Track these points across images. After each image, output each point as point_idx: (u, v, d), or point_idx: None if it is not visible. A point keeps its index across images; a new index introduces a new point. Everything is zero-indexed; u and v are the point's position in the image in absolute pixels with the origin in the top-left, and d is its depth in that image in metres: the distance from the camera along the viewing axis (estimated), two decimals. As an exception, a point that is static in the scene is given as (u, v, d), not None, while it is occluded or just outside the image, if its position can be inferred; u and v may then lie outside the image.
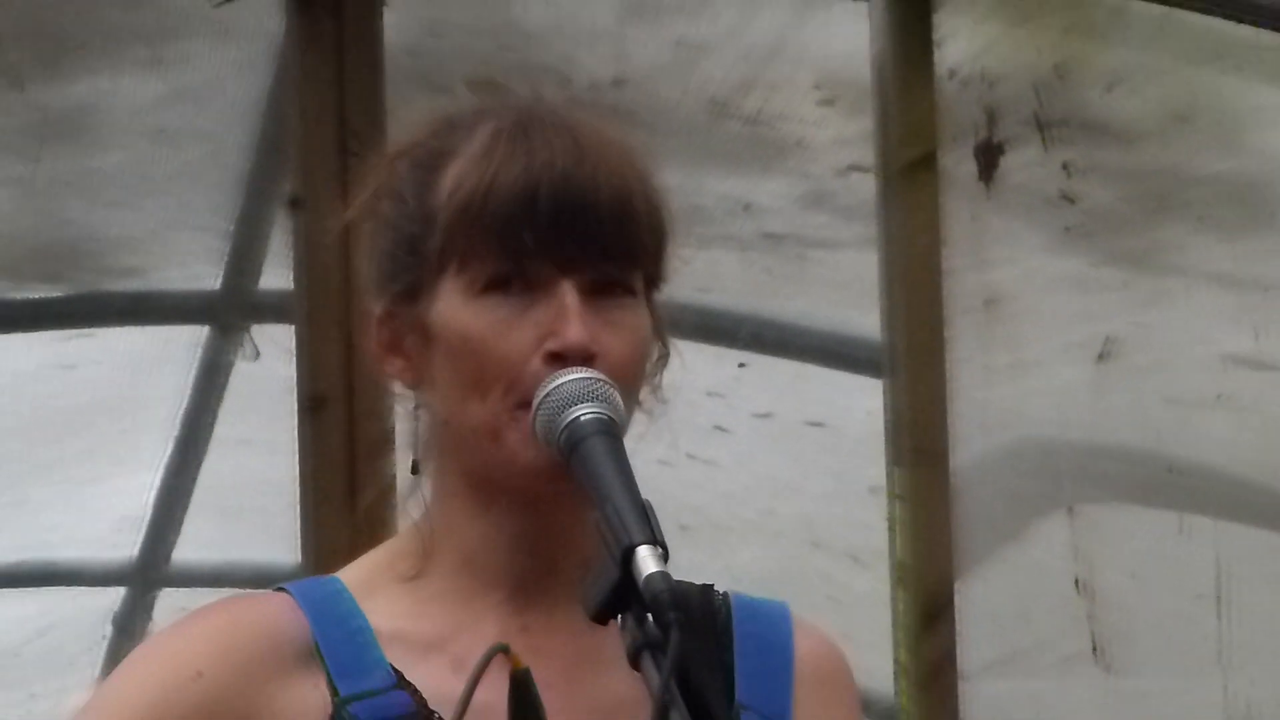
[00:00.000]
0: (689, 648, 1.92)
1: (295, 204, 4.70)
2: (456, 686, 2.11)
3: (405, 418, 2.26)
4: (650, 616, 1.95)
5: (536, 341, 2.14)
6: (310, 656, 2.20)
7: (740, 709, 2.17)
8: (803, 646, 2.22)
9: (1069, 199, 4.99)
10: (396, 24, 4.64)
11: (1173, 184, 5.06)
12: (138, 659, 2.33)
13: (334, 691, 2.19)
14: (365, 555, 2.34)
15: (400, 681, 2.18)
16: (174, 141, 5.08)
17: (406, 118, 2.58)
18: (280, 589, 2.26)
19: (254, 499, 5.76)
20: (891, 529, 4.81)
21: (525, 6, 4.87)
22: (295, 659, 2.22)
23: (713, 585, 2.23)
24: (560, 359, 2.12)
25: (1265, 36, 4.87)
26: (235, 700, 2.21)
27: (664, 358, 2.24)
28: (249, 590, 2.35)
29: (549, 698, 2.08)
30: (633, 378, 2.18)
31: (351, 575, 2.29)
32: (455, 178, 2.17)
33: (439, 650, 2.20)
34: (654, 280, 2.21)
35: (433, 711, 2.11)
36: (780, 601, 2.27)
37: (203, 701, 2.20)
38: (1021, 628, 5.27)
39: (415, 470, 2.28)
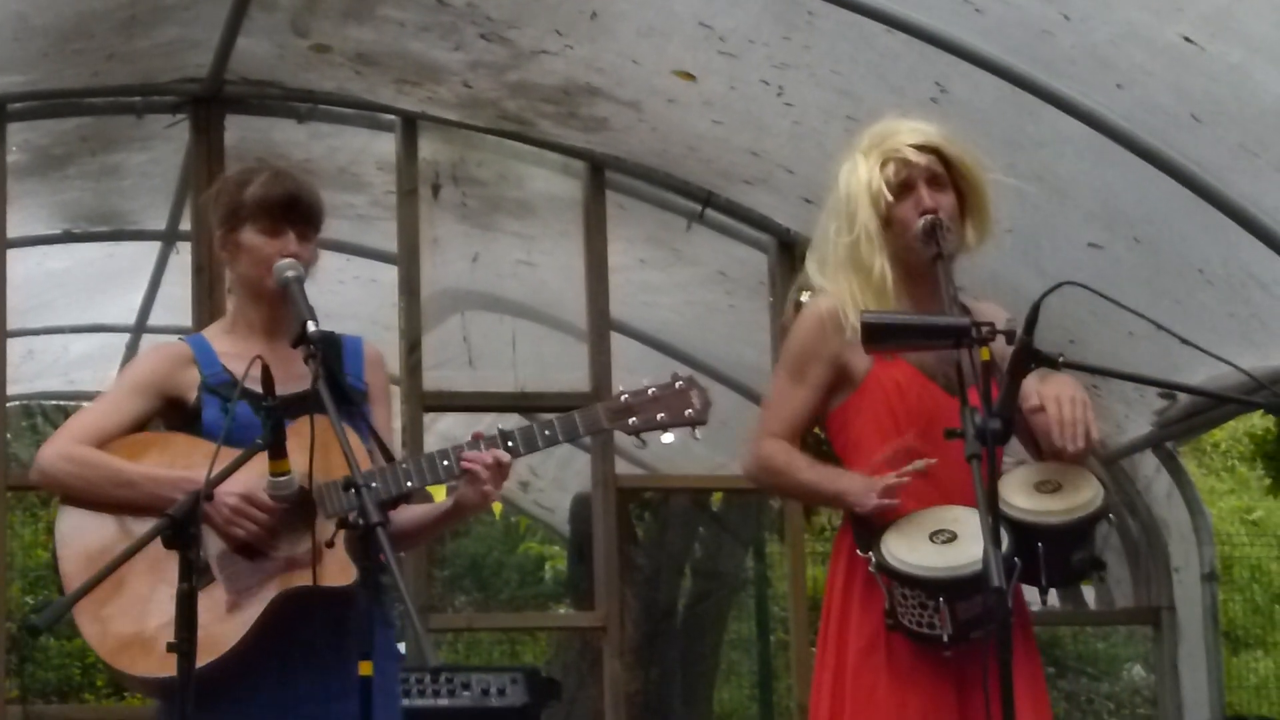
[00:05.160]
0: (327, 354, 3.63)
1: (194, 197, 7.16)
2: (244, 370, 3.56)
3: (229, 274, 4.10)
4: (312, 345, 3.59)
5: (280, 250, 3.90)
6: (193, 363, 3.97)
7: (346, 374, 3.97)
8: (368, 350, 4.11)
9: (465, 204, 7.82)
10: (230, 137, 7.44)
11: (499, 200, 8.02)
12: (135, 360, 3.98)
13: (201, 374, 3.96)
14: (213, 323, 4.16)
15: (225, 370, 3.92)
16: (150, 175, 8.11)
17: (231, 170, 4.52)
18: (181, 339, 4.06)
19: (179, 317, 7.91)
20: (401, 315, 7.30)
21: (275, 135, 7.57)
22: (186, 364, 3.98)
23: (334, 331, 3.81)
24: (289, 255, 3.87)
25: (528, 148, 7.59)
26: (166, 379, 3.97)
27: (317, 256, 3.99)
28: (170, 336, 4.62)
29: (276, 374, 3.55)
30: (309, 264, 3.93)
31: (207, 330, 4.10)
32: (252, 189, 3.96)
33: (239, 358, 3.81)
34: (318, 230, 4.00)
35: (239, 380, 3.70)
36: (360, 336, 4.12)
37: (153, 377, 3.98)
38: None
39: (230, 291, 4.17)
